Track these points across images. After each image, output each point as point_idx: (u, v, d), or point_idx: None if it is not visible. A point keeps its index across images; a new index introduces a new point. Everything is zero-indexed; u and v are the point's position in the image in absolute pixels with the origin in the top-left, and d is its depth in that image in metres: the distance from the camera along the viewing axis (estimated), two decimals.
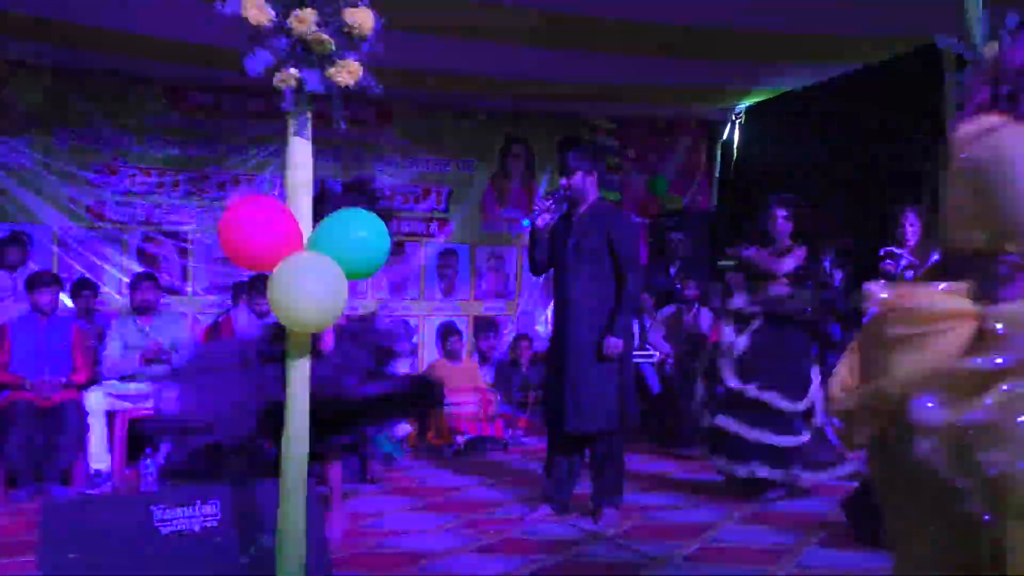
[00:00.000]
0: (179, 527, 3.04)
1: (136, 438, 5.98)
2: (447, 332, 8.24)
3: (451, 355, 8.00)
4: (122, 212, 8.01)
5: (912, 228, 5.41)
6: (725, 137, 10.10)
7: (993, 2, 3.55)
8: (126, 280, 7.39)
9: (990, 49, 3.41)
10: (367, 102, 8.52)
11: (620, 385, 4.70)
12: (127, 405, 6.00)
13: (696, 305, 8.31)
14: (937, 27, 3.63)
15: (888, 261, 5.40)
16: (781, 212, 5.35)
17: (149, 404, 5.97)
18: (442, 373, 7.71)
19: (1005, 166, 1.76)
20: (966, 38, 3.49)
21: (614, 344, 4.60)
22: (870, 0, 6.16)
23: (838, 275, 7.26)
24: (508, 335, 9.07)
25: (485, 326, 8.80)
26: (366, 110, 8.52)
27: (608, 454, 4.73)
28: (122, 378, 6.04)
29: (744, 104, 9.67)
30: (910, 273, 5.38)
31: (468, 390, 7.66)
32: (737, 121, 9.96)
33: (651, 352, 8.19)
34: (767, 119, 9.59)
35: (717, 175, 10.24)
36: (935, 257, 4.45)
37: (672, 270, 9.13)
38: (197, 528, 3.04)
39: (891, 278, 5.40)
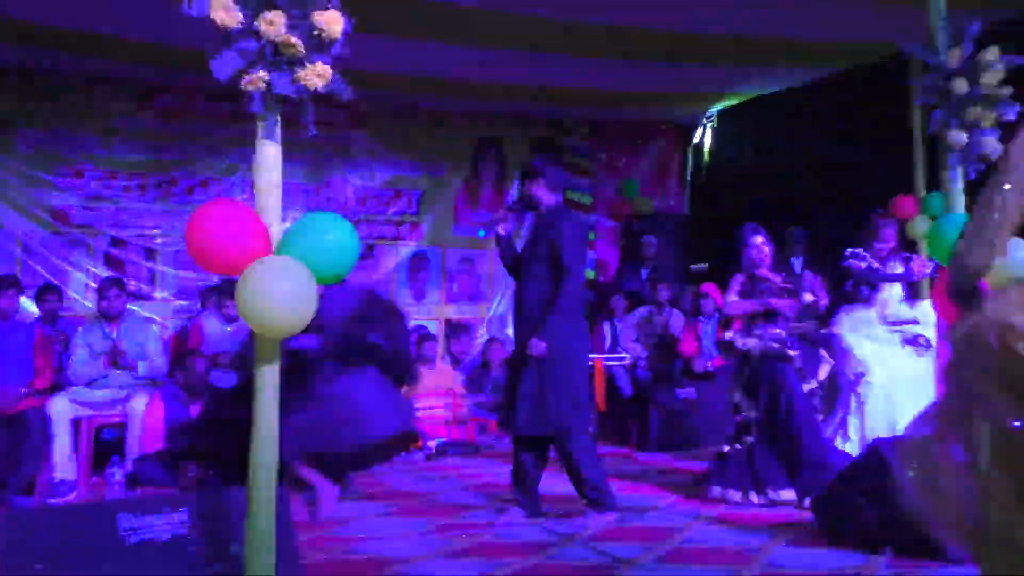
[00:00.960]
0: (147, 536, 3.00)
1: (103, 445, 5.91)
2: (421, 339, 8.18)
3: (424, 360, 7.93)
4: (88, 216, 7.92)
5: (889, 238, 5.48)
6: (697, 140, 10.17)
7: (956, 9, 3.61)
8: (93, 285, 7.30)
9: (953, 55, 3.47)
10: (337, 105, 8.45)
11: (569, 388, 4.70)
12: (92, 412, 5.91)
13: (667, 307, 8.35)
14: (904, 34, 3.69)
15: (853, 260, 5.49)
16: (758, 239, 5.39)
17: (116, 411, 5.91)
18: None
19: None
20: (930, 45, 3.55)
21: (535, 346, 4.63)
22: (840, 7, 6.24)
23: (808, 277, 7.33)
24: (480, 338, 9.06)
25: (456, 329, 8.78)
26: (336, 113, 8.47)
27: (566, 457, 4.75)
28: (89, 384, 5.94)
29: (716, 108, 9.74)
30: (876, 270, 5.47)
31: (440, 394, 7.64)
32: (709, 124, 10.03)
33: (622, 355, 8.22)
34: (738, 123, 9.67)
35: (689, 178, 10.31)
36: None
37: (644, 273, 9.17)
38: (166, 537, 3.00)
39: (857, 275, 5.48)
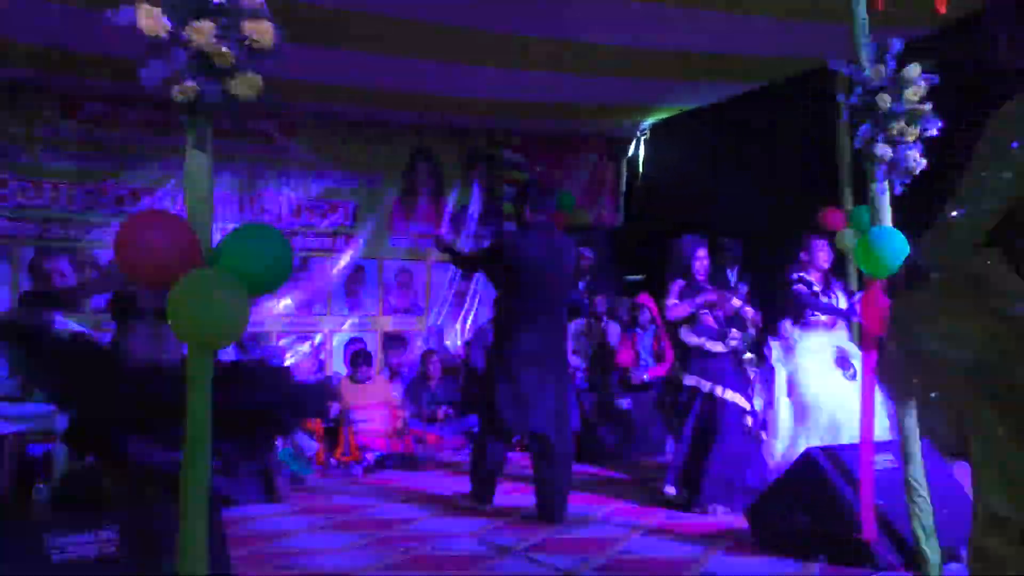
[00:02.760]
0: (74, 554, 2.92)
1: (28, 461, 5.73)
2: (357, 352, 8.06)
3: (359, 381, 7.79)
4: (13, 227, 7.68)
5: (824, 254, 5.58)
6: (631, 153, 10.28)
7: (879, 27, 3.72)
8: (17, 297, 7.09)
9: (877, 71, 3.57)
10: (271, 115, 8.39)
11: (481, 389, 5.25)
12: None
13: (604, 319, 8.42)
14: (830, 49, 3.79)
15: (800, 286, 5.56)
16: (702, 251, 5.49)
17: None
18: (350, 390, 7.62)
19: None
20: (855, 60, 3.65)
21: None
22: (768, 22, 6.38)
23: (743, 288, 7.45)
24: (417, 350, 9.01)
25: (394, 342, 8.72)
26: (269, 123, 8.38)
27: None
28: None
29: (649, 121, 9.86)
30: (821, 299, 5.55)
31: (377, 406, 7.58)
32: (642, 138, 10.15)
33: None
34: (671, 135, 9.80)
35: (623, 191, 10.41)
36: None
37: (581, 285, 9.23)
38: (93, 555, 2.93)
39: (803, 302, 5.55)
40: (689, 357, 5.45)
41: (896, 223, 3.66)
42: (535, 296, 5.11)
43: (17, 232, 7.71)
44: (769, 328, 5.84)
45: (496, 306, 5.45)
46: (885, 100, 3.54)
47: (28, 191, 7.75)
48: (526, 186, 5.50)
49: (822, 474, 3.96)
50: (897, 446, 3.66)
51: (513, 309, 5.14)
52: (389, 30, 6.42)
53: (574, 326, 8.56)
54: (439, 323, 9.44)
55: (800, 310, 5.62)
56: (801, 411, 5.40)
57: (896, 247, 3.55)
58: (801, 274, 5.62)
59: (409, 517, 5.25)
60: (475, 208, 9.72)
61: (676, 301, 5.43)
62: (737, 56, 7.26)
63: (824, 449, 4.24)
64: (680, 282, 5.48)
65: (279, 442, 6.40)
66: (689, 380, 5.38)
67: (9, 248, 7.70)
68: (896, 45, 3.60)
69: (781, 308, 5.78)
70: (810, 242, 5.63)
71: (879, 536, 3.70)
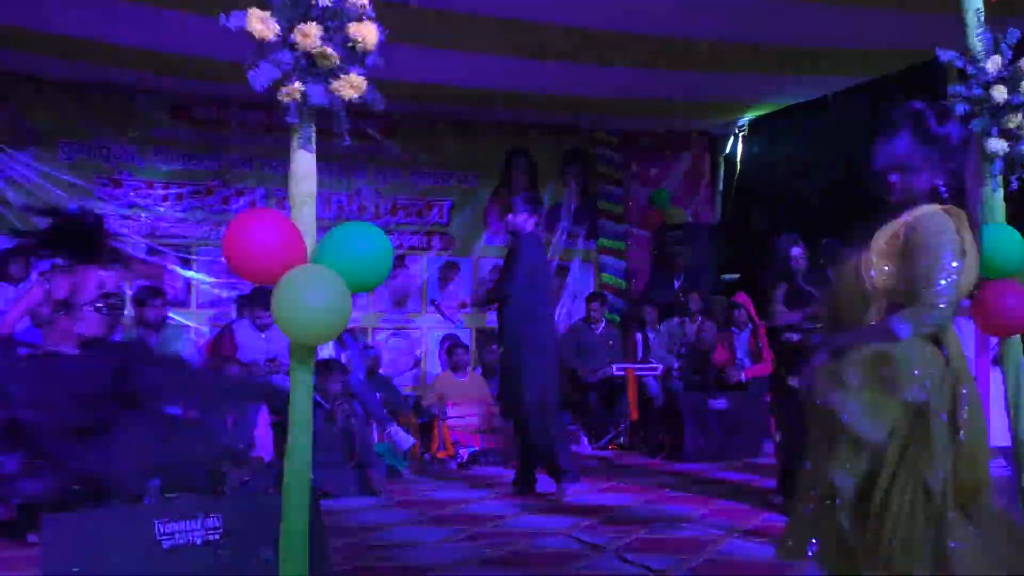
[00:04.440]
0: (182, 541, 3.04)
1: None
2: (453, 346, 8.20)
3: (456, 368, 7.98)
4: (125, 225, 8.02)
5: None
6: (728, 150, 10.11)
7: (993, 16, 3.55)
8: (129, 293, 7.39)
9: (992, 62, 3.41)
10: (370, 115, 8.52)
11: None
12: None
13: (700, 318, 8.30)
14: (939, 41, 3.64)
15: None
16: (797, 251, 5.37)
17: None
18: (446, 386, 7.71)
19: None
20: (967, 52, 3.49)
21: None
22: (872, 14, 6.19)
23: None
24: None
25: (489, 339, 8.79)
26: (368, 123, 8.54)
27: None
28: None
29: (747, 117, 9.69)
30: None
31: (472, 403, 7.65)
32: (740, 134, 9.97)
33: (654, 365, 8.19)
34: (770, 132, 9.61)
35: (720, 188, 10.25)
36: None
37: (676, 283, 9.13)
38: (199, 542, 3.04)
39: None
40: (796, 357, 5.30)
41: (1011, 220, 3.51)
42: (532, 294, 5.75)
43: (131, 230, 8.05)
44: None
45: (506, 305, 5.86)
46: (1001, 92, 3.39)
47: (141, 190, 8.09)
48: (530, 200, 6.16)
49: None
50: (1009, 451, 3.51)
51: (517, 307, 5.75)
52: (485, 29, 6.47)
53: (667, 324, 8.47)
54: None
55: None
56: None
57: (1009, 245, 3.39)
58: None
59: (502, 513, 5.28)
60: (570, 206, 9.72)
61: (783, 309, 5.31)
62: (839, 50, 7.07)
63: None
64: (783, 287, 5.35)
65: (375, 437, 6.54)
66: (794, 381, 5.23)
67: (122, 245, 8.03)
68: (1014, 34, 3.44)
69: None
70: None
71: None
